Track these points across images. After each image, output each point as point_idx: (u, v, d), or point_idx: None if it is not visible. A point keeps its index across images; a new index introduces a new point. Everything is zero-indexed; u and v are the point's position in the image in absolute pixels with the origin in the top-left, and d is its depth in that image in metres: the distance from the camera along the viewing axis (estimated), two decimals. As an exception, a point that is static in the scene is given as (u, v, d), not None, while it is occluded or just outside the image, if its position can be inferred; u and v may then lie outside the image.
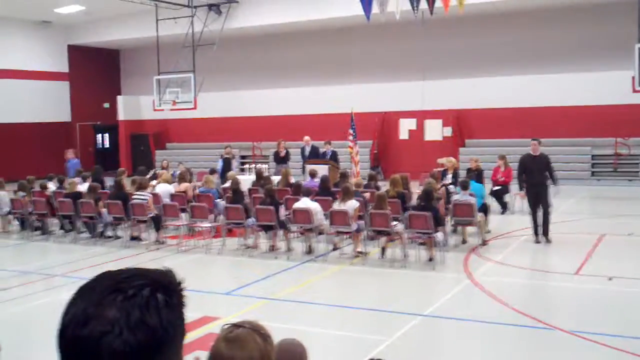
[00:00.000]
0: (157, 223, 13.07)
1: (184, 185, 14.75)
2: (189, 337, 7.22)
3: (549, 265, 10.46)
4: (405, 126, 24.54)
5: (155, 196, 13.78)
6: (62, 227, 14.43)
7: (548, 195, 12.07)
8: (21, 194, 14.70)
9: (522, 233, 13.31)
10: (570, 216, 15.20)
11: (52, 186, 15.51)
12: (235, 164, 19.19)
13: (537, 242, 12.14)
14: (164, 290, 1.26)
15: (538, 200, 12.08)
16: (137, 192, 13.56)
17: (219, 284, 10.23)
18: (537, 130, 22.13)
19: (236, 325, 2.37)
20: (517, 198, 15.83)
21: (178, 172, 16.21)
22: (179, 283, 1.32)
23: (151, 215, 13.00)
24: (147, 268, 1.31)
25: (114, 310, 1.21)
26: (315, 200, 12.15)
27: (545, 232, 12.18)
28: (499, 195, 15.62)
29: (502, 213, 15.47)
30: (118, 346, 1.18)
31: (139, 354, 1.20)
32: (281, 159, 18.98)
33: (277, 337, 2.46)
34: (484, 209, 12.95)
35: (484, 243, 12.07)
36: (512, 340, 7.45)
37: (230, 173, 16.51)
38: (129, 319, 1.20)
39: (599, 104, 21.34)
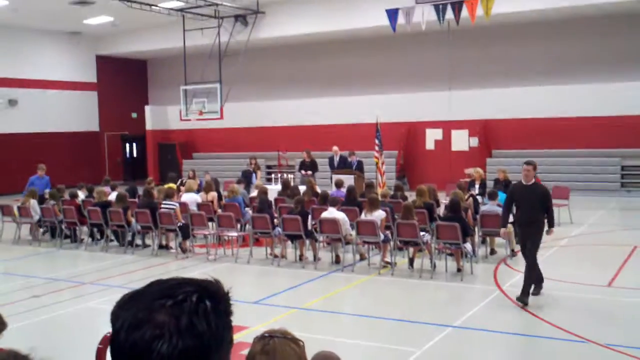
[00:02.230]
0: (184, 232, 13.15)
1: (211, 195, 14.84)
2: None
3: (580, 277, 10.32)
4: (432, 136, 24.44)
5: (183, 205, 13.89)
6: (91, 236, 14.59)
7: (538, 239, 9.15)
8: (51, 202, 14.90)
9: (552, 244, 13.16)
10: (601, 227, 15.01)
11: (81, 195, 15.70)
12: (259, 174, 19.26)
13: (524, 302, 8.80)
14: (211, 297, 1.29)
15: (525, 243, 9.33)
16: (165, 202, 13.68)
17: (247, 293, 10.26)
18: (565, 140, 22.02)
19: (269, 336, 2.38)
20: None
21: (204, 181, 16.31)
22: (227, 292, 1.35)
23: (179, 224, 13.09)
24: (195, 278, 1.34)
25: (164, 314, 1.23)
26: (342, 210, 12.14)
27: (525, 291, 8.88)
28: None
29: (531, 224, 15.27)
30: (167, 351, 1.21)
31: (188, 358, 1.22)
32: (306, 167, 19.04)
33: (306, 347, 2.46)
34: (513, 220, 12.80)
35: (513, 254, 11.94)
36: (544, 353, 7.35)
37: (257, 182, 16.59)
38: (178, 323, 1.23)
39: (629, 114, 21.06)
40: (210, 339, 1.25)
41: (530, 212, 9.14)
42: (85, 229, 14.59)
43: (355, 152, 18.64)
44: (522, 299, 8.78)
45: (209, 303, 1.27)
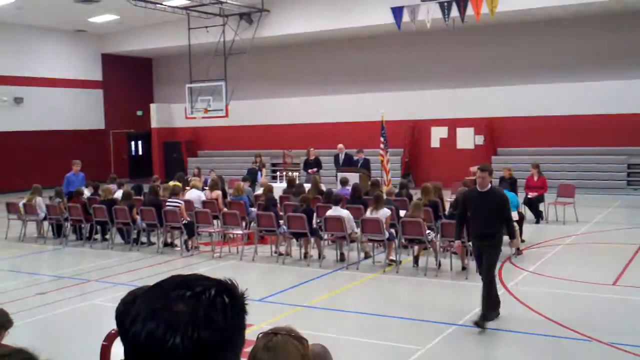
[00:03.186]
0: (190, 230, 13.16)
1: (215, 193, 14.85)
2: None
3: (585, 276, 10.28)
4: (437, 134, 24.41)
5: (188, 203, 13.90)
6: (96, 233, 14.62)
7: (495, 254, 8.11)
8: (57, 200, 14.93)
9: (557, 242, 13.14)
10: (607, 226, 14.96)
11: (87, 192, 15.73)
12: (264, 172, 19.27)
13: (482, 327, 7.80)
14: (229, 293, 1.29)
15: (481, 258, 8.21)
16: (170, 200, 13.70)
17: (252, 291, 10.24)
18: (571, 138, 21.96)
19: (273, 333, 2.38)
20: (550, 207, 15.69)
21: (209, 179, 16.32)
22: (243, 292, 1.35)
23: (184, 222, 13.11)
24: (207, 276, 1.34)
25: (181, 304, 1.23)
26: (347, 208, 12.14)
27: (484, 314, 7.90)
28: (533, 205, 15.43)
29: (537, 222, 15.28)
30: (182, 342, 1.20)
31: (202, 352, 1.22)
32: (310, 165, 19.05)
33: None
34: (519, 218, 12.79)
35: (518, 252, 11.92)
36: (549, 351, 7.33)
37: (262, 181, 16.59)
38: (195, 315, 1.22)
39: (636, 112, 20.99)
40: (225, 334, 1.25)
41: (485, 223, 8.07)
42: (90, 226, 14.60)
43: (363, 150, 18.63)
44: (481, 323, 7.78)
45: (226, 299, 1.27)
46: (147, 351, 1.22)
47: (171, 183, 16.04)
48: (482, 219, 8.10)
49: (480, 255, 8.25)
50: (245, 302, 1.33)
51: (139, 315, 1.24)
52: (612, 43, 21.78)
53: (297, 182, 16.28)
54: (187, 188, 15.43)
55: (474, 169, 16.39)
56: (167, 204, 13.53)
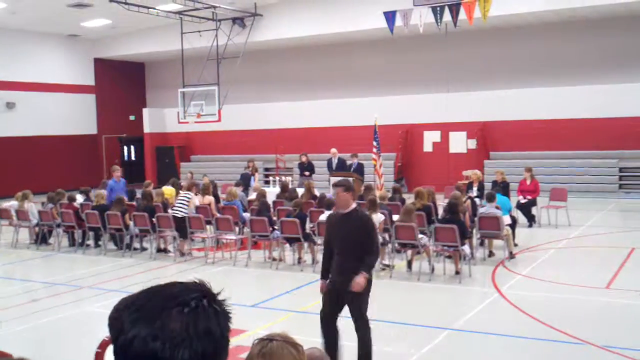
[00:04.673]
0: (182, 232, 13.09)
1: (208, 198, 14.81)
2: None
3: (578, 279, 10.32)
4: (430, 138, 24.47)
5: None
6: (89, 239, 14.56)
7: (362, 293, 6.32)
8: (49, 205, 14.87)
9: (550, 246, 13.18)
10: (600, 229, 15.02)
11: (79, 198, 15.68)
12: (257, 177, 19.26)
13: None
14: (215, 300, 1.35)
15: (340, 302, 6.42)
16: (181, 197, 13.68)
17: (245, 296, 10.24)
18: (563, 142, 22.05)
19: (268, 339, 2.38)
20: (543, 211, 15.74)
21: (202, 184, 16.28)
22: (225, 297, 1.40)
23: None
24: (181, 281, 1.38)
25: (181, 322, 1.27)
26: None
27: None
28: (526, 208, 15.48)
29: (529, 226, 15.32)
30: (188, 356, 1.25)
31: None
32: (303, 169, 19.07)
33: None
34: (511, 222, 12.84)
35: (512, 256, 11.95)
36: (542, 355, 7.35)
37: (255, 185, 16.58)
38: (196, 329, 1.27)
39: (627, 116, 21.11)
40: (222, 340, 1.32)
41: (345, 254, 6.41)
42: (82, 232, 14.55)
43: (358, 155, 18.65)
44: None
45: (216, 306, 1.33)
46: None
47: (164, 188, 16.02)
48: (341, 249, 6.45)
49: (336, 301, 6.42)
50: (227, 303, 1.39)
51: (137, 336, 1.26)
52: (603, 47, 21.89)
53: (290, 186, 16.28)
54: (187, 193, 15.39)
55: (467, 172, 16.51)
56: (178, 199, 13.54)
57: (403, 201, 13.84)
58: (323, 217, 11.68)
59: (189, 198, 13.43)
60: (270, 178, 20.85)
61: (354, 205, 6.57)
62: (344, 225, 6.49)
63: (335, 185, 6.60)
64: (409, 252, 11.42)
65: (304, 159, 19.35)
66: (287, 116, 26.62)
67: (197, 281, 1.39)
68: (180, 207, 13.31)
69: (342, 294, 6.37)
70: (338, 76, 26.17)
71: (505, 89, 23.03)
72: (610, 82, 21.55)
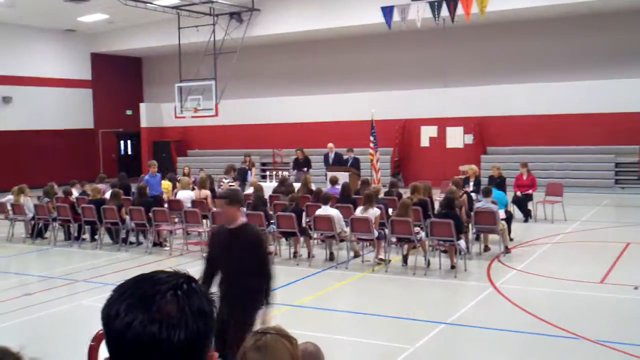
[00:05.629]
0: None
1: (204, 192, 14.82)
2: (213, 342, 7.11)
3: (573, 274, 10.34)
4: (427, 133, 24.47)
5: (178, 202, 13.87)
6: (85, 233, 14.55)
7: (245, 326, 5.17)
8: (45, 199, 14.86)
9: (545, 241, 13.20)
10: (595, 224, 15.04)
11: (75, 192, 15.66)
12: (254, 172, 19.24)
13: None
14: (196, 282, 1.41)
15: (224, 339, 5.10)
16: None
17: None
18: (559, 137, 22.08)
19: (262, 332, 2.38)
20: (539, 206, 15.76)
21: (199, 179, 16.28)
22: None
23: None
24: (163, 269, 1.43)
25: (177, 304, 1.32)
26: (336, 207, 12.14)
27: None
28: (522, 203, 15.50)
29: (525, 221, 15.34)
30: (185, 336, 1.30)
31: (199, 341, 1.33)
32: (300, 165, 19.05)
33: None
34: (507, 216, 12.85)
35: (507, 251, 11.97)
36: (537, 350, 7.37)
37: (252, 180, 16.57)
38: (191, 310, 1.33)
39: (623, 111, 21.13)
40: (212, 320, 1.38)
41: (232, 278, 5.48)
42: (78, 226, 14.53)
43: (353, 149, 18.64)
44: None
45: (201, 288, 1.40)
46: (149, 351, 1.29)
47: (162, 182, 16.01)
48: (227, 272, 5.52)
49: (224, 332, 5.07)
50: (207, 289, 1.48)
51: (133, 321, 1.30)
52: (599, 43, 21.90)
53: (289, 181, 16.28)
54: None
55: (463, 167, 16.51)
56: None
57: (400, 196, 13.84)
58: (320, 211, 11.71)
59: (231, 184, 13.40)
60: (267, 173, 20.86)
61: (243, 219, 5.75)
62: (232, 243, 5.51)
63: (219, 197, 5.79)
64: (405, 246, 11.43)
65: (299, 154, 19.32)
66: (284, 111, 26.61)
67: (173, 269, 1.44)
68: None
69: (227, 325, 5.07)
70: (335, 71, 26.14)
71: (502, 84, 23.04)
72: (606, 78, 21.57)
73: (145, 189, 14.16)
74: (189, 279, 1.39)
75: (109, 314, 1.33)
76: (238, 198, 5.78)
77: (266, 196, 14.39)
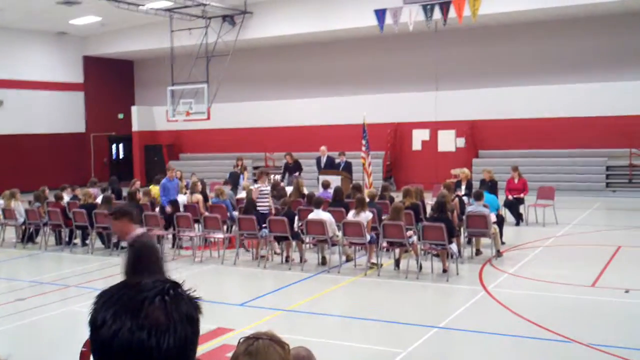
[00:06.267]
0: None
1: (196, 197, 14.78)
2: (205, 348, 7.16)
3: (564, 277, 10.37)
4: (418, 137, 24.50)
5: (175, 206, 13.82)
6: (76, 237, 14.48)
7: None
8: (36, 204, 14.78)
9: (537, 244, 13.24)
10: (586, 228, 15.09)
11: (66, 197, 15.59)
12: (246, 175, 19.18)
13: None
14: (182, 287, 1.41)
15: None
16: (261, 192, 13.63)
17: (233, 295, 10.23)
18: (551, 140, 22.16)
19: (254, 338, 2.37)
20: (530, 209, 15.80)
21: (190, 183, 16.23)
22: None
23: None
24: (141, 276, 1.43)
25: (165, 310, 1.32)
26: (328, 211, 12.14)
27: None
28: (513, 207, 15.54)
29: (517, 224, 15.38)
30: (174, 342, 1.30)
31: (187, 346, 1.34)
32: (291, 170, 19.00)
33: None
34: (499, 220, 12.88)
35: (499, 254, 11.99)
36: (529, 353, 7.38)
37: (244, 184, 16.53)
38: (180, 315, 1.33)
39: (614, 115, 21.23)
40: (198, 325, 1.38)
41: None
42: (70, 231, 14.47)
43: (345, 153, 18.62)
44: None
45: (187, 293, 1.40)
46: (137, 358, 1.29)
47: (152, 187, 15.96)
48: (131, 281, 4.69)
49: None
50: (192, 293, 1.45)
51: (121, 328, 1.29)
52: (591, 46, 22.01)
53: (281, 185, 16.26)
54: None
55: (455, 171, 16.53)
56: (260, 197, 13.44)
57: (392, 200, 13.85)
58: (312, 215, 11.69)
59: (266, 192, 13.31)
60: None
61: (138, 230, 5.63)
62: (127, 256, 5.45)
63: (111, 213, 5.83)
64: (397, 250, 11.44)
65: (288, 158, 19.26)
66: (276, 114, 26.59)
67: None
68: (263, 202, 13.13)
69: None
70: (328, 74, 26.15)
71: (494, 88, 23.11)
72: (598, 81, 21.67)
73: (136, 194, 14.12)
74: (174, 284, 1.39)
75: (95, 322, 1.32)
76: (127, 211, 5.71)
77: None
